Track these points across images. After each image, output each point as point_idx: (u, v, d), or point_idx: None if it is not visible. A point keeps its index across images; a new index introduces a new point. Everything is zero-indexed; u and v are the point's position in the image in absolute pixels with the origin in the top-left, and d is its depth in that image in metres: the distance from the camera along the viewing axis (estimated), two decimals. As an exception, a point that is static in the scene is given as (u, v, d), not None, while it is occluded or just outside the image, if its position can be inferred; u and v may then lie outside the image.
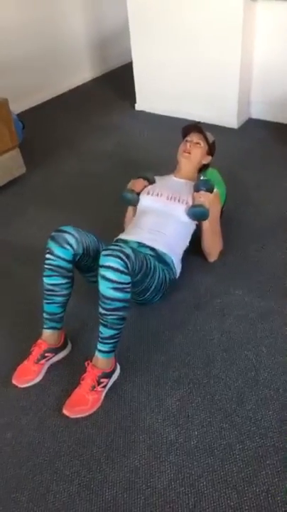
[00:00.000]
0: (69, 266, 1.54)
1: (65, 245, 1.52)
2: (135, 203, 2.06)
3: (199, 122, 2.18)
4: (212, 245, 2.04)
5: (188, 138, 2.15)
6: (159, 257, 1.78)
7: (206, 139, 2.15)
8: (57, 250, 1.51)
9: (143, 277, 1.59)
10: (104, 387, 1.53)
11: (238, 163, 2.90)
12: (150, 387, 1.57)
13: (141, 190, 2.07)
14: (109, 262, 1.39)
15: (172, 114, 3.56)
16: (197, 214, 1.90)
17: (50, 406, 1.53)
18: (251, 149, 3.08)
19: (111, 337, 1.48)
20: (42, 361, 1.61)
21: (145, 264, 1.58)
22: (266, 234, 2.26)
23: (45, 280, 1.54)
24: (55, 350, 1.64)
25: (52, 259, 1.51)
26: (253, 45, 3.15)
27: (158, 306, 1.88)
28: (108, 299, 1.41)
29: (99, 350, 1.50)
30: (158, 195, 2.00)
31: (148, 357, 1.68)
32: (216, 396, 1.52)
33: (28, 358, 1.61)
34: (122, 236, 1.89)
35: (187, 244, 1.96)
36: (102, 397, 1.52)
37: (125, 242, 1.82)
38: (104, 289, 1.40)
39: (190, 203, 1.94)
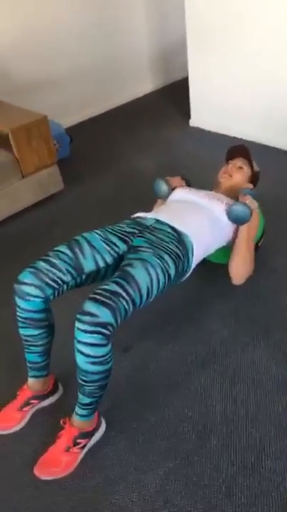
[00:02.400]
0: (41, 315, 1.40)
1: (27, 297, 1.37)
2: (165, 195, 1.93)
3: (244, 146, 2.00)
4: (243, 261, 1.78)
5: (231, 161, 1.98)
6: (179, 236, 1.56)
7: (251, 165, 1.96)
8: (21, 304, 1.38)
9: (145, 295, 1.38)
10: (83, 447, 1.39)
11: (285, 191, 2.60)
12: (133, 456, 1.41)
13: (177, 187, 1.94)
14: (85, 339, 1.21)
15: (227, 132, 3.33)
16: (239, 213, 1.71)
17: (24, 459, 1.43)
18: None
19: (89, 404, 1.34)
20: (26, 408, 1.51)
21: (147, 287, 1.36)
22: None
23: (20, 331, 1.43)
24: (41, 397, 1.54)
25: (20, 312, 1.39)
26: None
27: (160, 356, 1.71)
28: (86, 372, 1.26)
29: (77, 413, 1.37)
30: (194, 190, 1.88)
31: (138, 418, 1.51)
32: (203, 481, 1.32)
33: (13, 402, 1.52)
34: (139, 213, 1.73)
35: (214, 245, 1.75)
36: (79, 459, 1.39)
37: (141, 218, 1.67)
38: (81, 363, 1.25)
39: (230, 202, 1.80)
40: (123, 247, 1.53)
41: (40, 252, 1.48)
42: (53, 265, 1.40)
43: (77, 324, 1.22)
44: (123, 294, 1.28)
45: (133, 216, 1.74)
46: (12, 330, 1.81)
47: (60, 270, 1.40)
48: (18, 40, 3.27)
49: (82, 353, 1.23)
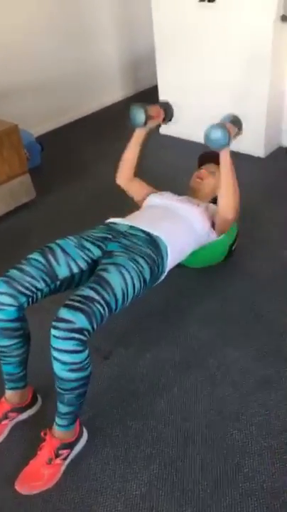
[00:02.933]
0: (15, 325, 1.37)
1: (1, 307, 1.33)
2: (141, 123, 1.82)
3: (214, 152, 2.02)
4: (232, 191, 1.76)
5: (203, 167, 2.01)
6: (152, 239, 1.56)
7: None
8: None
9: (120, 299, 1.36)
10: (65, 459, 1.36)
11: (259, 196, 2.67)
12: (117, 464, 1.39)
13: (155, 117, 1.88)
14: (61, 346, 1.19)
15: (197, 139, 3.35)
16: (217, 134, 1.62)
17: (4, 474, 1.39)
18: (276, 181, 2.84)
19: (69, 412, 1.32)
20: (5, 421, 1.47)
21: (122, 290, 1.34)
22: (282, 284, 2.01)
23: (-6, 341, 1.40)
24: (20, 410, 1.50)
25: None
26: (284, 70, 2.92)
27: (141, 362, 1.70)
28: (64, 380, 1.24)
29: (57, 424, 1.34)
30: (167, 195, 1.89)
31: (122, 425, 1.50)
32: (189, 485, 1.32)
33: (-10, 416, 1.48)
34: (113, 219, 1.72)
35: (188, 248, 1.74)
36: (61, 470, 1.36)
37: (114, 224, 1.66)
38: (58, 370, 1.22)
39: (203, 206, 1.81)
40: (97, 252, 1.52)
41: (14, 261, 1.45)
42: (26, 273, 1.38)
43: (53, 331, 1.20)
44: (98, 299, 1.27)
45: (106, 221, 1.74)
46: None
47: (33, 277, 1.38)
48: (-14, 49, 3.24)
49: (58, 360, 1.21)
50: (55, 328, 1.19)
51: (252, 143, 3.08)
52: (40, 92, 3.68)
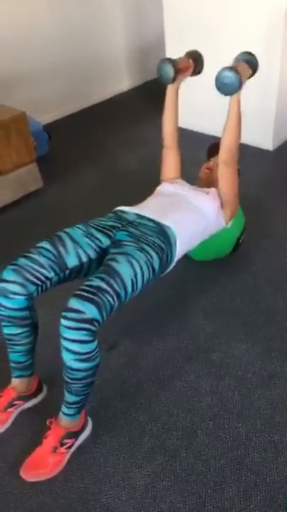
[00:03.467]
0: (24, 313, 1.37)
1: (10, 295, 1.33)
2: (171, 79, 1.75)
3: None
4: (237, 132, 1.75)
5: (212, 158, 2.00)
6: (161, 228, 1.55)
7: None
8: (4, 301, 1.34)
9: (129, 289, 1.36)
10: (69, 447, 1.38)
11: (266, 190, 2.64)
12: (121, 454, 1.40)
13: (184, 71, 1.82)
14: (71, 336, 1.19)
15: (206, 130, 3.34)
16: (229, 78, 1.55)
17: (9, 461, 1.41)
18: (284, 175, 2.81)
19: (76, 402, 1.32)
20: (10, 409, 1.48)
21: (131, 281, 1.34)
22: (286, 278, 2.01)
23: (3, 330, 1.40)
24: (26, 398, 1.51)
25: (3, 311, 1.35)
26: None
27: (146, 353, 1.71)
28: (72, 369, 1.24)
29: (63, 413, 1.35)
30: (179, 184, 1.86)
31: (127, 415, 1.51)
32: (192, 476, 1.33)
33: (-4, 404, 1.49)
34: (121, 207, 1.71)
35: (198, 238, 1.72)
36: (66, 459, 1.37)
37: (123, 212, 1.65)
38: (67, 359, 1.23)
39: (213, 190, 1.78)
40: (106, 241, 1.51)
41: (22, 250, 1.45)
42: (35, 262, 1.38)
43: (63, 321, 1.20)
44: (108, 289, 1.26)
45: (115, 209, 1.73)
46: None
47: (42, 266, 1.38)
48: (-6, 34, 3.21)
49: (68, 350, 1.21)
50: (65, 318, 1.19)
51: (260, 135, 3.05)
52: (47, 80, 3.65)
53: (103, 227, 1.55)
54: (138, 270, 1.37)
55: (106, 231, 1.53)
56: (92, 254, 1.48)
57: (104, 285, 1.26)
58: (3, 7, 3.17)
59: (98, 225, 1.56)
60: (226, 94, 1.63)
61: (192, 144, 3.21)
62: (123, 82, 4.36)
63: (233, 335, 1.76)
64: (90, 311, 1.20)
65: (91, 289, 1.24)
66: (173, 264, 1.59)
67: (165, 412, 1.51)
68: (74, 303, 1.21)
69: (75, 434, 1.39)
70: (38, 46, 3.49)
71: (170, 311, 1.89)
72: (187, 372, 1.63)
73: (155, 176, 2.04)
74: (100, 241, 1.50)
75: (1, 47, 3.25)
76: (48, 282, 1.40)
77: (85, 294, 1.22)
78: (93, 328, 1.20)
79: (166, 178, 1.97)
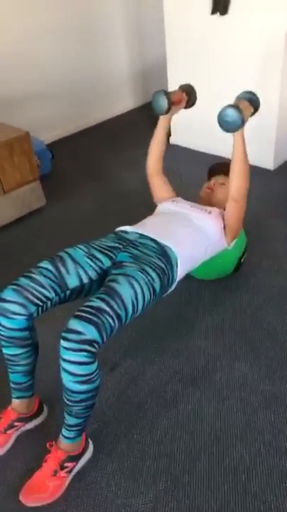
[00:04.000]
0: (24, 334, 1.36)
1: (10, 315, 1.32)
2: (164, 110, 1.80)
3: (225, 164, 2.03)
4: (244, 174, 1.78)
5: (213, 178, 2.01)
6: (162, 249, 1.55)
7: None
8: (4, 322, 1.33)
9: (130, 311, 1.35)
10: (70, 471, 1.35)
11: (267, 209, 2.66)
12: (122, 479, 1.37)
13: (177, 103, 1.87)
14: (71, 357, 1.18)
15: (206, 150, 3.38)
16: (231, 116, 1.58)
17: (8, 485, 1.38)
18: (285, 195, 2.83)
19: (76, 425, 1.30)
20: (10, 431, 1.46)
21: (132, 303, 1.33)
22: (288, 298, 2.00)
23: (3, 350, 1.38)
24: (26, 419, 1.49)
25: (3, 331, 1.35)
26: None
27: (147, 375, 1.69)
28: (72, 391, 1.22)
29: (64, 436, 1.33)
30: (180, 202, 1.88)
31: (128, 438, 1.48)
32: (195, 502, 1.30)
33: (-4, 425, 1.47)
34: (123, 227, 1.71)
35: (199, 258, 1.72)
36: (66, 483, 1.35)
37: (124, 232, 1.66)
38: (67, 381, 1.21)
39: (216, 211, 1.79)
40: (107, 262, 1.52)
41: (23, 268, 1.45)
42: (36, 282, 1.37)
43: (62, 342, 1.19)
44: (109, 310, 1.26)
45: (116, 230, 1.74)
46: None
47: (43, 287, 1.38)
48: (1, 58, 3.27)
49: (68, 371, 1.20)
50: (65, 339, 1.19)
51: (261, 155, 3.08)
52: (50, 100, 3.70)
53: (104, 248, 1.55)
54: (139, 291, 1.37)
55: (108, 252, 1.54)
56: (93, 275, 1.47)
57: (104, 306, 1.26)
58: (5, 27, 3.24)
59: (99, 246, 1.56)
60: (227, 131, 1.66)
61: (192, 162, 3.25)
62: (125, 103, 4.43)
63: (235, 355, 1.74)
64: (90, 332, 1.19)
65: (92, 310, 1.23)
66: (175, 284, 1.59)
67: (167, 435, 1.48)
68: (74, 324, 1.20)
69: (76, 458, 1.36)
70: (41, 66, 3.55)
71: (172, 331, 1.88)
72: (190, 393, 1.61)
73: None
74: (101, 262, 1.50)
75: (5, 67, 3.31)
76: (49, 302, 1.39)
77: (85, 315, 1.22)
78: (93, 349, 1.20)
79: (162, 199, 2.00)
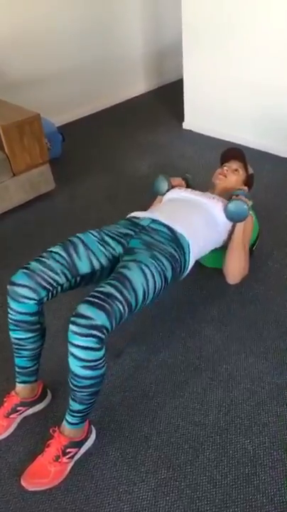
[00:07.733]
0: (34, 318, 1.35)
1: (21, 299, 1.31)
2: (163, 192, 1.96)
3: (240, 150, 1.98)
4: (239, 260, 1.78)
5: (227, 164, 1.97)
6: (175, 236, 1.54)
7: (246, 168, 1.95)
8: (14, 305, 1.32)
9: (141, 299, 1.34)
10: (72, 457, 1.35)
11: (280, 198, 2.59)
12: (124, 466, 1.36)
13: (175, 187, 1.94)
14: (79, 342, 1.16)
15: (220, 136, 3.31)
16: (238, 209, 1.70)
17: (11, 468, 1.38)
18: (300, 183, 2.76)
19: (80, 411, 1.29)
20: (14, 415, 1.46)
21: (142, 291, 1.31)
22: (298, 289, 1.96)
23: (11, 334, 1.38)
24: (29, 404, 1.49)
25: (12, 314, 1.33)
26: None
27: (152, 363, 1.67)
28: (78, 376, 1.21)
29: (67, 421, 1.32)
30: (187, 191, 1.87)
31: (131, 426, 1.47)
32: (197, 492, 1.29)
33: (0, 408, 1.47)
34: (135, 213, 1.70)
35: (209, 244, 1.73)
36: (68, 469, 1.34)
37: (136, 218, 1.64)
38: (74, 366, 1.20)
39: (220, 199, 1.79)
40: (118, 249, 1.49)
41: (32, 252, 1.43)
42: (47, 266, 1.35)
43: (71, 327, 1.17)
44: (119, 297, 1.24)
45: (128, 216, 1.71)
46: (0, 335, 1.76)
47: (54, 272, 1.36)
48: (13, 38, 3.22)
49: (75, 356, 1.19)
50: (74, 323, 1.17)
51: (276, 142, 3.00)
52: (62, 81, 3.65)
53: (116, 234, 1.52)
54: (150, 278, 1.34)
55: (119, 238, 1.51)
56: (104, 262, 1.45)
57: (115, 292, 1.24)
58: (23, 8, 3.18)
59: (111, 232, 1.53)
60: (233, 221, 1.77)
61: (206, 148, 3.18)
62: (138, 86, 4.35)
63: (242, 346, 1.71)
64: (100, 317, 1.17)
65: (102, 296, 1.21)
66: (187, 272, 1.56)
67: (171, 424, 1.47)
68: (83, 309, 1.18)
69: (78, 444, 1.36)
70: (54, 48, 3.49)
71: (178, 320, 1.85)
72: (195, 383, 1.59)
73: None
74: (113, 249, 1.48)
75: (17, 48, 3.26)
76: (59, 288, 1.37)
77: (95, 301, 1.20)
78: (101, 335, 1.18)
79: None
